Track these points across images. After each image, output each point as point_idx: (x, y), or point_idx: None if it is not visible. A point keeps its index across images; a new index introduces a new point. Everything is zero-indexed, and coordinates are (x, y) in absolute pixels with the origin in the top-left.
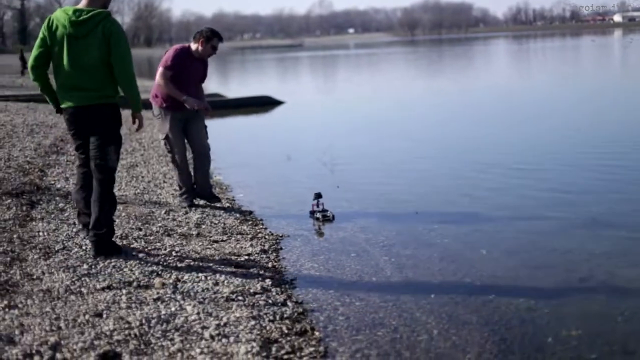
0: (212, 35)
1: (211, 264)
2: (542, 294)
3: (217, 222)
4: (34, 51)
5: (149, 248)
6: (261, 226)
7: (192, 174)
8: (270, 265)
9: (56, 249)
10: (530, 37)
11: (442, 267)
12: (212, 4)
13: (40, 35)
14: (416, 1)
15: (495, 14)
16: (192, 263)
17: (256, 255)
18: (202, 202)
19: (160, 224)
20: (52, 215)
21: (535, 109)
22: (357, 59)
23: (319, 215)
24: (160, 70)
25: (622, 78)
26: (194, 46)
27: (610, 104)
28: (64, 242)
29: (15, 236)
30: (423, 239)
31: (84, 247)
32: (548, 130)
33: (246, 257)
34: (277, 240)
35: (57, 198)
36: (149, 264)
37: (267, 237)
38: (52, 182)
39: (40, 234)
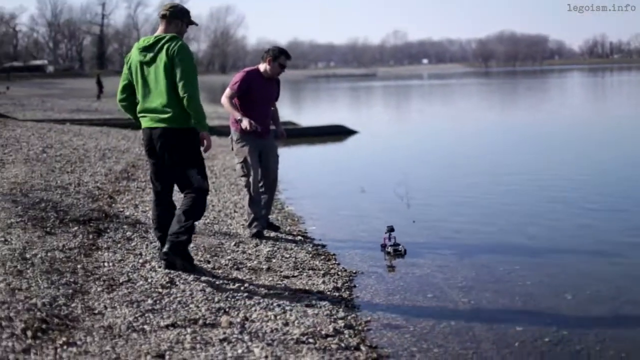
0: (279, 54)
1: (281, 301)
2: (634, 346)
3: (288, 255)
4: (119, 85)
5: (218, 282)
6: (334, 261)
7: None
8: (343, 304)
9: (120, 281)
10: (606, 70)
11: (524, 313)
12: (287, 32)
13: (124, 69)
14: (491, 32)
15: (571, 46)
16: (261, 300)
17: (328, 293)
18: (272, 233)
19: (229, 257)
20: (119, 245)
21: (618, 146)
22: (431, 89)
23: (390, 249)
24: (227, 91)
25: None
26: (262, 67)
27: None
28: (129, 273)
29: (79, 266)
30: (504, 280)
31: (149, 280)
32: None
33: (318, 295)
34: (351, 277)
35: (125, 226)
36: (216, 300)
37: (339, 273)
38: (121, 210)
39: (105, 264)
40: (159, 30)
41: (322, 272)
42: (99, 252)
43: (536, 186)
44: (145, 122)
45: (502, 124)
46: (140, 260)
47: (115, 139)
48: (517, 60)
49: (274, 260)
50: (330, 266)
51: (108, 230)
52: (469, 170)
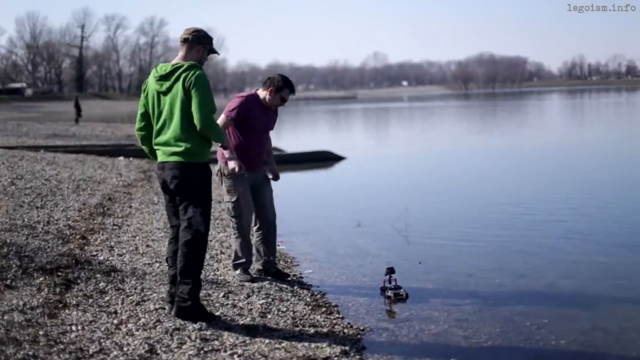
0: (284, 86)
1: None
2: None
3: (285, 309)
4: (138, 111)
5: (206, 349)
6: (337, 315)
7: (255, 246)
8: None
9: (90, 351)
10: (585, 92)
11: None
12: (267, 54)
13: (141, 97)
14: (470, 54)
15: (550, 68)
16: None
17: (336, 359)
18: (265, 280)
19: (218, 312)
20: (90, 301)
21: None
22: (413, 112)
23: (390, 293)
24: (221, 117)
25: None
26: (262, 94)
27: None
28: (101, 340)
29: (41, 332)
30: (534, 339)
31: (125, 349)
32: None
33: None
34: (359, 336)
35: (98, 275)
36: None
37: (345, 331)
38: (94, 254)
39: (73, 328)
40: (178, 57)
41: (325, 329)
42: (67, 311)
43: (543, 217)
44: (159, 156)
45: (491, 148)
46: (115, 321)
47: (91, 168)
48: (496, 82)
49: (269, 316)
50: (334, 321)
51: (78, 281)
52: (468, 200)
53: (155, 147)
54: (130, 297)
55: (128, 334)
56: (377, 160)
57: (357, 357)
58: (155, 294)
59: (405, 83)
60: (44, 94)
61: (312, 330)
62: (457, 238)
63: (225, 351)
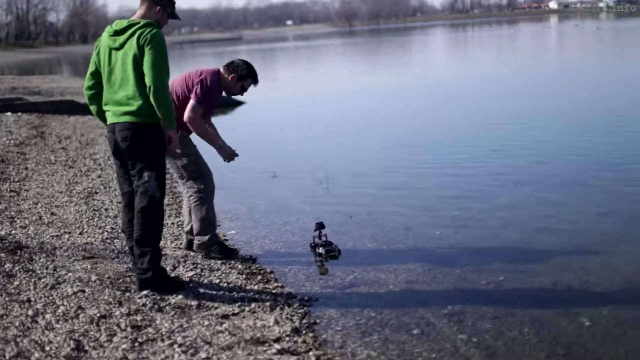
0: (248, 75)
1: None
2: None
3: (217, 280)
4: (88, 70)
5: (140, 339)
6: (275, 283)
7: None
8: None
9: (7, 356)
10: (467, 26)
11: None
12: None
13: (93, 54)
14: None
15: (432, 3)
16: None
17: (288, 339)
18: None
19: (145, 292)
20: None
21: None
22: (300, 51)
23: (321, 250)
24: (192, 104)
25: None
26: (223, 75)
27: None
28: (17, 339)
29: None
30: (499, 302)
31: (47, 348)
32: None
33: (277, 348)
34: (305, 308)
35: (2, 255)
36: None
37: (289, 302)
38: None
39: None
40: (136, 15)
41: (267, 303)
42: None
43: (459, 157)
44: (109, 117)
45: (385, 87)
46: (30, 312)
47: None
48: (380, 18)
49: (201, 290)
50: (274, 291)
51: None
52: (379, 145)
53: (105, 109)
54: (43, 280)
55: (47, 328)
56: (277, 103)
57: (310, 334)
58: (70, 274)
59: (289, 22)
60: None
61: (252, 305)
62: (381, 187)
63: (162, 340)
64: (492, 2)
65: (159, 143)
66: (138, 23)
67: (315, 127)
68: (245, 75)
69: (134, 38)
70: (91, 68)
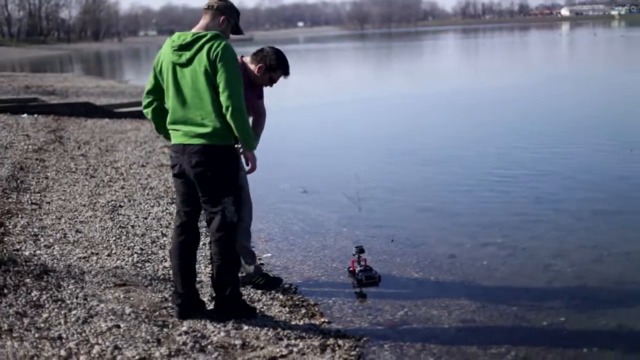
0: (278, 67)
1: None
2: None
3: (259, 314)
4: (146, 87)
5: None
6: (321, 318)
7: None
8: None
9: None
10: (479, 31)
11: None
12: None
13: (153, 70)
14: None
15: (444, 7)
16: None
17: None
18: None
19: (184, 327)
20: (26, 322)
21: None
22: (314, 54)
23: (361, 276)
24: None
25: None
26: (250, 65)
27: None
28: None
29: None
30: (548, 337)
31: None
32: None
33: None
34: (357, 349)
35: (28, 280)
36: None
37: (340, 343)
38: (18, 247)
39: None
40: (199, 26)
41: (316, 342)
42: None
43: (501, 173)
44: (177, 137)
45: (405, 95)
46: (63, 353)
47: None
48: (392, 22)
49: (245, 327)
50: (321, 328)
51: (5, 291)
52: (408, 157)
53: (173, 127)
54: (74, 312)
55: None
56: (296, 111)
57: None
58: (102, 305)
59: (301, 24)
60: None
61: (300, 345)
62: (417, 207)
63: None
64: (504, 7)
65: (234, 166)
66: (205, 36)
67: (338, 138)
68: (274, 66)
69: (203, 52)
70: (149, 85)
